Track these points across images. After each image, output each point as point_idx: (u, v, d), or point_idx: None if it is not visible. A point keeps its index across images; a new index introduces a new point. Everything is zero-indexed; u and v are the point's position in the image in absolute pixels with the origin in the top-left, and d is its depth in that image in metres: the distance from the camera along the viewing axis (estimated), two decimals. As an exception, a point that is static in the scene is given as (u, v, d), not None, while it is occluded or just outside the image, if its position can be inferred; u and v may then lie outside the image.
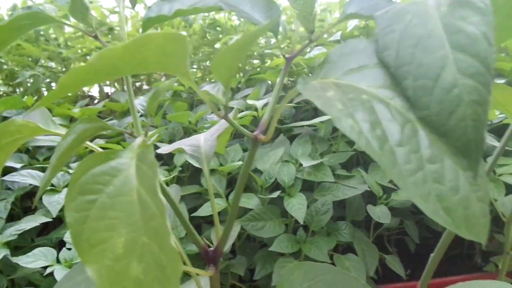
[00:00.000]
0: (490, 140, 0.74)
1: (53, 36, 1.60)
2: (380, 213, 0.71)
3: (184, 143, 0.47)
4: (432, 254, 0.47)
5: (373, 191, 0.74)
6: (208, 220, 0.82)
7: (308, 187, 0.79)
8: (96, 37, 0.36)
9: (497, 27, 0.44)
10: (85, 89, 1.80)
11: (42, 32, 1.58)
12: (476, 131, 0.25)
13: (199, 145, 0.46)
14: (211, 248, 0.40)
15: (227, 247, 0.66)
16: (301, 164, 0.77)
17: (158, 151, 0.45)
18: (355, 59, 0.29)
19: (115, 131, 1.06)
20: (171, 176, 0.77)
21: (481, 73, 0.25)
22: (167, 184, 0.81)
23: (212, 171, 0.78)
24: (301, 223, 0.66)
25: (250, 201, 0.70)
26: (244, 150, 0.82)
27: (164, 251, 0.21)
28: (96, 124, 0.28)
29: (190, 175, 0.87)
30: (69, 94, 1.09)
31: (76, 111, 1.07)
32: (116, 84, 1.68)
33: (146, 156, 0.24)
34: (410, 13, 0.28)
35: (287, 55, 0.35)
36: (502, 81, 1.04)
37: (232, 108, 0.91)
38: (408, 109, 0.26)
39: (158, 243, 0.21)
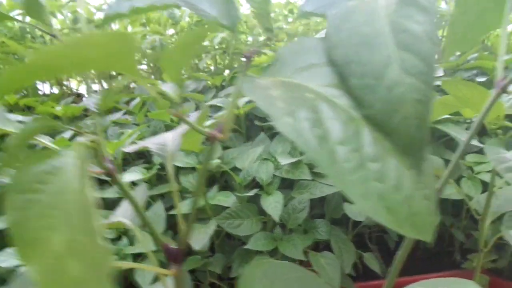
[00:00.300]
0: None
1: (39, 33, 1.59)
2: (356, 211, 0.71)
3: (152, 141, 0.46)
4: (398, 252, 0.47)
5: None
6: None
7: (287, 185, 0.79)
8: (54, 36, 0.36)
9: (470, 24, 0.45)
10: (74, 86, 1.79)
11: (28, 30, 1.57)
12: (419, 130, 0.25)
13: (166, 143, 0.46)
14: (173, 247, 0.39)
15: (203, 246, 0.66)
16: (280, 162, 0.77)
17: (125, 149, 0.45)
18: (306, 58, 0.29)
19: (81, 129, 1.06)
20: (151, 174, 0.77)
21: (423, 72, 0.25)
22: (149, 182, 0.81)
23: (191, 169, 0.78)
24: (277, 221, 0.66)
25: (227, 199, 0.70)
26: (224, 148, 0.82)
27: (95, 250, 0.21)
28: (43, 123, 0.28)
29: (180, 175, 0.87)
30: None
31: (58, 109, 1.07)
32: (104, 82, 1.68)
33: (85, 155, 0.24)
34: (359, 11, 0.28)
35: (247, 53, 0.35)
36: (484, 79, 1.05)
37: (210, 105, 0.91)
38: (354, 108, 0.26)
39: (90, 242, 0.21)
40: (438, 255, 0.97)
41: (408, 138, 0.25)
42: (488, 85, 0.86)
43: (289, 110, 0.24)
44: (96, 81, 1.67)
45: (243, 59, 0.34)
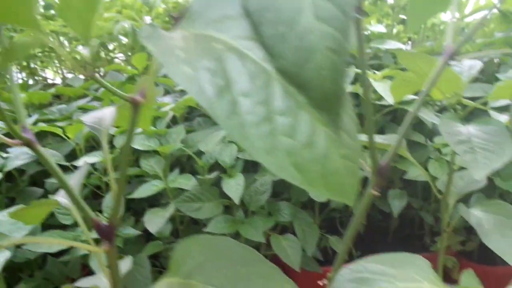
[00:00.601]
0: (432, 118, 0.73)
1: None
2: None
3: (91, 115, 0.44)
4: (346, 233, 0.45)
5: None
6: (153, 204, 0.79)
7: (252, 168, 0.78)
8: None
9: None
10: (50, 76, 1.75)
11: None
12: (333, 82, 0.23)
13: (103, 117, 0.44)
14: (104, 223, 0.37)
15: (159, 229, 0.64)
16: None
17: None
18: (221, 9, 0.26)
19: (61, 114, 1.03)
20: (110, 157, 0.75)
21: (338, 19, 0.23)
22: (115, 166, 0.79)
23: (152, 152, 0.76)
24: (237, 203, 0.64)
25: (187, 182, 0.68)
26: (188, 132, 0.80)
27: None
28: None
29: (136, 159, 0.85)
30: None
31: (22, 96, 1.03)
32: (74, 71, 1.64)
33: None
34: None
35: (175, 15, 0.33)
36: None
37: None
38: (267, 60, 0.24)
39: None
40: (409, 239, 0.96)
41: (322, 91, 0.23)
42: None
43: (188, 59, 0.22)
44: (72, 70, 1.63)
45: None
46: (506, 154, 0.42)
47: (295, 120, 0.23)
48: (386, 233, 0.96)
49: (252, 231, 0.65)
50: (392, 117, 0.92)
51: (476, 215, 0.54)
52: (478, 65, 0.55)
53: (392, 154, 0.41)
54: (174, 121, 0.94)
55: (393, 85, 0.64)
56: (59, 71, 1.72)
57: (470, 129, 0.48)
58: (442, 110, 0.89)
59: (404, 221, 0.97)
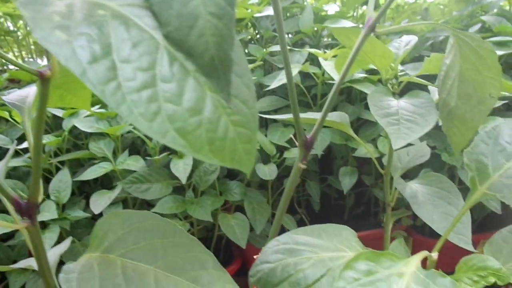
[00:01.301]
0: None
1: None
2: (267, 171, 0.70)
3: (16, 94, 0.43)
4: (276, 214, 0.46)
5: (265, 150, 0.73)
6: (108, 187, 0.79)
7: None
8: None
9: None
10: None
11: None
12: (218, 48, 0.23)
13: (28, 95, 0.43)
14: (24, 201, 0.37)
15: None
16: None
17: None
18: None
19: None
20: (58, 140, 0.73)
21: (221, -16, 0.23)
22: (59, 149, 0.78)
23: (103, 135, 0.75)
24: (183, 182, 0.64)
25: (135, 164, 0.68)
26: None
27: None
28: None
29: (88, 142, 0.83)
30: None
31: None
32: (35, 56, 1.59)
33: None
34: None
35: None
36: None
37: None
38: (156, 28, 0.24)
39: None
40: (364, 216, 0.98)
41: (208, 57, 0.23)
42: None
43: (65, 25, 0.22)
44: (37, 57, 1.59)
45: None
46: (428, 125, 0.43)
47: (181, 86, 0.23)
48: (342, 211, 0.98)
49: (200, 210, 0.65)
50: (347, 96, 0.93)
51: (413, 187, 0.56)
52: (413, 40, 0.56)
53: (317, 128, 0.42)
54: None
55: (336, 62, 0.65)
56: (20, 56, 1.67)
57: (400, 103, 0.49)
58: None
59: (359, 199, 0.99)
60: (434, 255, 0.40)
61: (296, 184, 0.43)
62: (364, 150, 0.78)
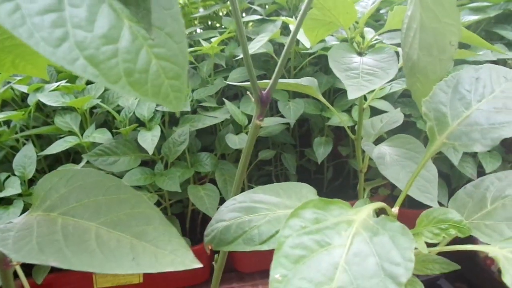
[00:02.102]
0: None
1: None
2: (237, 141, 0.68)
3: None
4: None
5: (237, 121, 0.72)
6: (77, 162, 0.77)
7: (176, 121, 0.76)
8: None
9: None
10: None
11: None
12: (133, -30, 0.21)
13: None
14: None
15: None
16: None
17: None
18: None
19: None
20: (23, 115, 0.71)
21: None
22: (26, 125, 0.75)
23: (68, 108, 0.72)
24: (150, 153, 0.62)
25: (102, 136, 0.66)
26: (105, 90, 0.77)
27: None
28: None
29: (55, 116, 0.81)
30: None
31: None
32: None
33: None
34: None
35: None
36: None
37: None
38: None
39: None
40: (343, 189, 0.98)
41: (122, -20, 0.21)
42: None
43: None
44: None
45: None
46: (388, 77, 0.42)
47: (93, 12, 0.21)
48: (321, 184, 0.97)
49: (168, 182, 0.64)
50: (323, 66, 0.91)
51: (381, 149, 0.55)
52: (379, -2, 0.54)
53: (273, 83, 0.40)
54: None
55: (304, 26, 0.63)
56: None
57: (364, 59, 0.47)
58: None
59: (338, 172, 0.98)
60: (395, 210, 0.39)
61: (254, 140, 0.42)
62: (338, 119, 0.77)
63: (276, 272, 0.27)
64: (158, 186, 0.66)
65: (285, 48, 0.39)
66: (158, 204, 0.74)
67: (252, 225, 0.36)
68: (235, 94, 0.91)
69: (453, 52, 0.40)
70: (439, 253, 0.41)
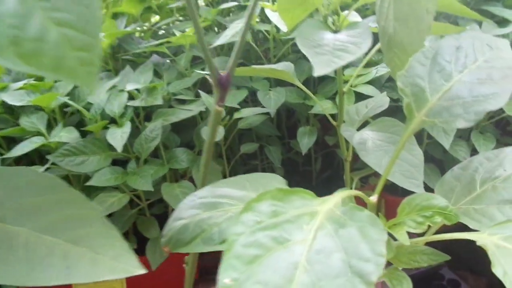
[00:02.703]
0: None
1: None
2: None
3: None
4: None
5: (213, 112, 0.68)
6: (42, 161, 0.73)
7: (149, 117, 0.72)
8: None
9: None
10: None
11: None
12: None
13: None
14: None
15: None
16: (138, 91, 0.69)
17: None
18: None
19: None
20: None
21: None
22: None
23: (35, 108, 0.68)
24: (119, 151, 0.58)
25: (68, 135, 0.62)
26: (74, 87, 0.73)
27: None
28: None
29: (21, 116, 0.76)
30: None
31: None
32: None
33: None
34: None
35: None
36: None
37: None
38: None
39: None
40: (333, 180, 0.94)
41: None
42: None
43: None
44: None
45: None
46: (360, 51, 0.38)
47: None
48: (310, 177, 0.93)
49: (140, 181, 0.60)
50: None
51: (363, 135, 0.51)
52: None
53: (233, 63, 0.36)
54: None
55: (279, 7, 0.59)
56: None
57: (338, 36, 0.43)
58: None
59: (327, 163, 0.94)
60: (373, 198, 0.35)
61: (217, 126, 0.38)
62: (321, 107, 0.73)
63: (225, 276, 0.23)
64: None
65: (245, 22, 0.35)
66: (135, 205, 0.70)
67: (212, 223, 0.32)
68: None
69: (430, 20, 0.36)
70: (430, 244, 0.37)
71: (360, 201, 0.37)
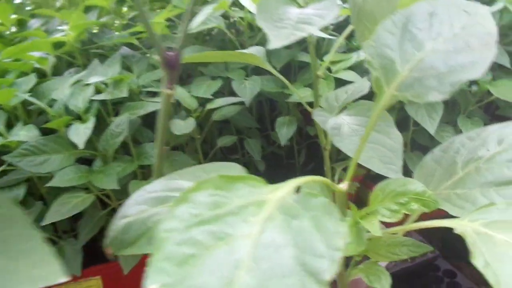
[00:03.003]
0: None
1: None
2: (183, 126, 0.61)
3: None
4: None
5: (183, 104, 0.64)
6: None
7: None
8: None
9: None
10: None
11: None
12: None
13: None
14: None
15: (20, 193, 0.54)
16: (106, 85, 0.65)
17: None
18: None
19: None
20: None
21: None
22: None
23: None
24: (81, 147, 0.54)
25: (26, 134, 0.58)
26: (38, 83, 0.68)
27: None
28: None
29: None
30: None
31: None
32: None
33: None
34: None
35: None
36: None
37: None
38: None
39: None
40: (317, 172, 0.90)
41: None
42: None
43: None
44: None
45: None
46: (323, 21, 0.34)
47: None
48: (293, 170, 0.90)
49: (106, 179, 0.56)
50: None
51: (338, 120, 0.48)
52: None
53: (182, 41, 0.32)
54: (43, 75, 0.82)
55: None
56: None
57: (304, 10, 0.39)
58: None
59: (310, 155, 0.91)
60: (343, 185, 0.32)
61: (168, 112, 0.34)
62: (299, 95, 0.69)
63: (153, 281, 0.19)
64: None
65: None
66: (105, 205, 0.66)
67: (158, 219, 0.29)
68: (189, 75, 0.83)
69: (400, -15, 0.32)
70: (424, 234, 0.33)
71: (349, 194, 0.33)
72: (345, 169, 0.77)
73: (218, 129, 0.84)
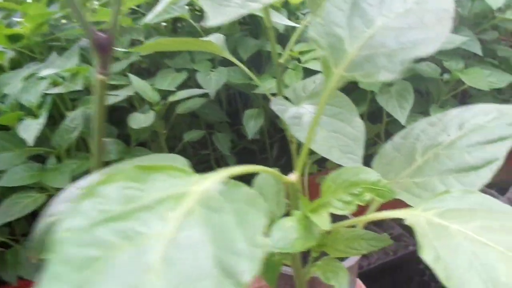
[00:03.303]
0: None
1: None
2: (143, 120, 0.58)
3: None
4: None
5: (144, 97, 0.61)
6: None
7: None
8: None
9: None
10: None
11: None
12: None
13: None
14: None
15: None
16: (64, 78, 0.62)
17: None
18: None
19: None
20: None
21: None
22: None
23: None
24: (30, 144, 0.51)
25: (-27, 131, 0.54)
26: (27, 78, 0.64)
27: None
28: None
29: None
30: None
31: None
32: None
33: None
34: None
35: None
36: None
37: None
38: None
39: None
40: (290, 165, 0.88)
41: None
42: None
43: None
44: None
45: None
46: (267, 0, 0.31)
47: None
48: (267, 164, 0.87)
49: (58, 177, 0.52)
50: (253, 30, 0.81)
51: (300, 109, 0.45)
52: None
53: (113, 21, 0.29)
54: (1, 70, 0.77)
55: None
56: None
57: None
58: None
59: (284, 149, 0.89)
60: (293, 177, 0.29)
61: (103, 100, 0.31)
62: (265, 87, 0.66)
63: (46, 290, 0.16)
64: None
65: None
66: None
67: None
68: (157, 68, 0.80)
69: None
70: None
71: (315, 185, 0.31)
72: (318, 163, 0.75)
73: (187, 124, 0.81)
